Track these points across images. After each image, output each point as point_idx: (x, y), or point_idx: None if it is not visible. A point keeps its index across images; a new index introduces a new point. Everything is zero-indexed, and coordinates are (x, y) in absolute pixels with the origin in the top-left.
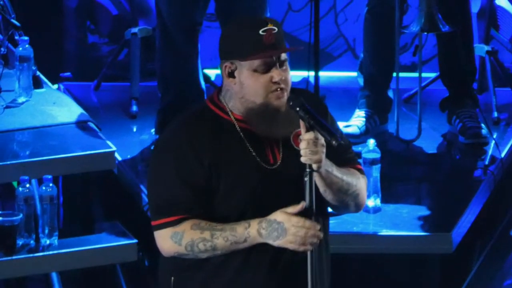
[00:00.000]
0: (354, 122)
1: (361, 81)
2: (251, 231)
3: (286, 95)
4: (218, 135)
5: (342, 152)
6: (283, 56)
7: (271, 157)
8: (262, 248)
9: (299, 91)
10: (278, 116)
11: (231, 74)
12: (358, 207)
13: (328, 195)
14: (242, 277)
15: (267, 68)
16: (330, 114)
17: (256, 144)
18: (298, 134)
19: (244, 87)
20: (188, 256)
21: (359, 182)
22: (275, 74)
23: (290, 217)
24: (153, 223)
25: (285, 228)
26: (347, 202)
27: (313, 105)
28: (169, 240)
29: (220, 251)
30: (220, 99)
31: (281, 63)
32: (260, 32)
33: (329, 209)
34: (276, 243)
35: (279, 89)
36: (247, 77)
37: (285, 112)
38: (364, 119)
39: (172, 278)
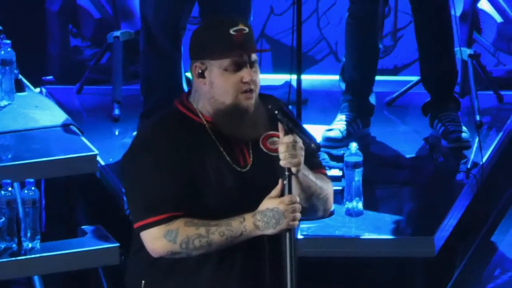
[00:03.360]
0: (336, 126)
1: (343, 86)
2: (247, 225)
3: (254, 96)
4: (190, 136)
5: (311, 156)
6: (253, 57)
7: (242, 159)
8: (234, 252)
9: (268, 97)
10: (246, 118)
11: (201, 75)
12: (326, 211)
13: (302, 199)
14: (215, 281)
15: (237, 67)
16: (300, 119)
17: (227, 146)
18: (268, 137)
19: (214, 87)
20: (180, 254)
21: (328, 187)
22: (245, 74)
23: (280, 199)
24: (140, 223)
25: (281, 211)
26: (317, 206)
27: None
28: (162, 239)
29: (215, 247)
30: (190, 101)
31: (251, 64)
32: (231, 31)
33: None
34: (277, 229)
35: (248, 90)
36: (217, 77)
37: (253, 114)
38: (346, 123)
39: (143, 281)
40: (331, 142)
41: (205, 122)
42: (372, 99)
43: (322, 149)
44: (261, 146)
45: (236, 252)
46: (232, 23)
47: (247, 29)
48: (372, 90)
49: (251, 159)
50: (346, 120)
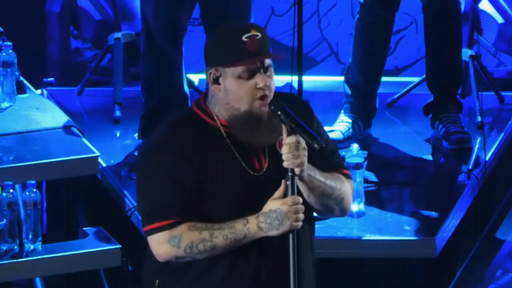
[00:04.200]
0: (337, 127)
1: (347, 88)
2: (251, 227)
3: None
4: (205, 139)
5: (328, 156)
6: (267, 62)
7: (257, 163)
8: (248, 254)
9: (285, 96)
10: (261, 124)
11: (216, 81)
12: (343, 211)
13: (312, 200)
14: (227, 282)
15: (251, 74)
16: (317, 118)
17: (242, 150)
18: None
19: (229, 94)
20: (185, 259)
21: (343, 186)
22: (259, 80)
23: (283, 201)
24: (147, 227)
25: (284, 212)
26: (332, 206)
27: (300, 110)
28: (166, 245)
29: (220, 251)
30: (207, 104)
31: (265, 69)
32: (243, 38)
33: (314, 214)
34: (280, 230)
35: (263, 96)
36: (231, 84)
37: (268, 120)
38: (348, 124)
39: (157, 281)
40: None
41: (220, 126)
42: (375, 102)
43: None
44: (278, 149)
45: (249, 254)
46: (245, 29)
47: (259, 35)
48: (376, 95)
49: (266, 163)
50: (348, 121)
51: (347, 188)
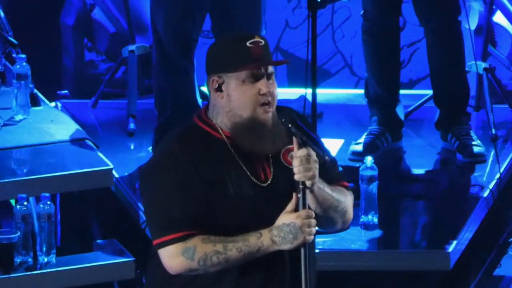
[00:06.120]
0: (363, 140)
1: (369, 103)
2: (264, 240)
3: (272, 109)
4: (210, 151)
5: (330, 169)
6: (270, 69)
7: (262, 174)
8: (254, 267)
9: (284, 109)
10: (264, 131)
11: (219, 88)
12: (345, 224)
13: (318, 212)
14: None
15: (254, 79)
16: (316, 132)
17: (247, 161)
18: (289, 151)
19: (232, 100)
20: (198, 271)
21: (347, 199)
22: (263, 86)
23: (297, 214)
24: (158, 240)
25: (298, 226)
26: (336, 219)
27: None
28: (180, 257)
29: (233, 263)
30: (209, 116)
31: (269, 76)
32: (248, 44)
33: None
34: (294, 244)
35: (266, 102)
36: (234, 89)
37: (271, 128)
38: (374, 136)
39: None
40: (357, 156)
41: (224, 138)
42: (400, 113)
43: (342, 163)
44: (282, 160)
45: (255, 267)
46: (248, 36)
47: (263, 41)
48: (398, 100)
49: (271, 174)
50: (373, 134)
51: (349, 201)
